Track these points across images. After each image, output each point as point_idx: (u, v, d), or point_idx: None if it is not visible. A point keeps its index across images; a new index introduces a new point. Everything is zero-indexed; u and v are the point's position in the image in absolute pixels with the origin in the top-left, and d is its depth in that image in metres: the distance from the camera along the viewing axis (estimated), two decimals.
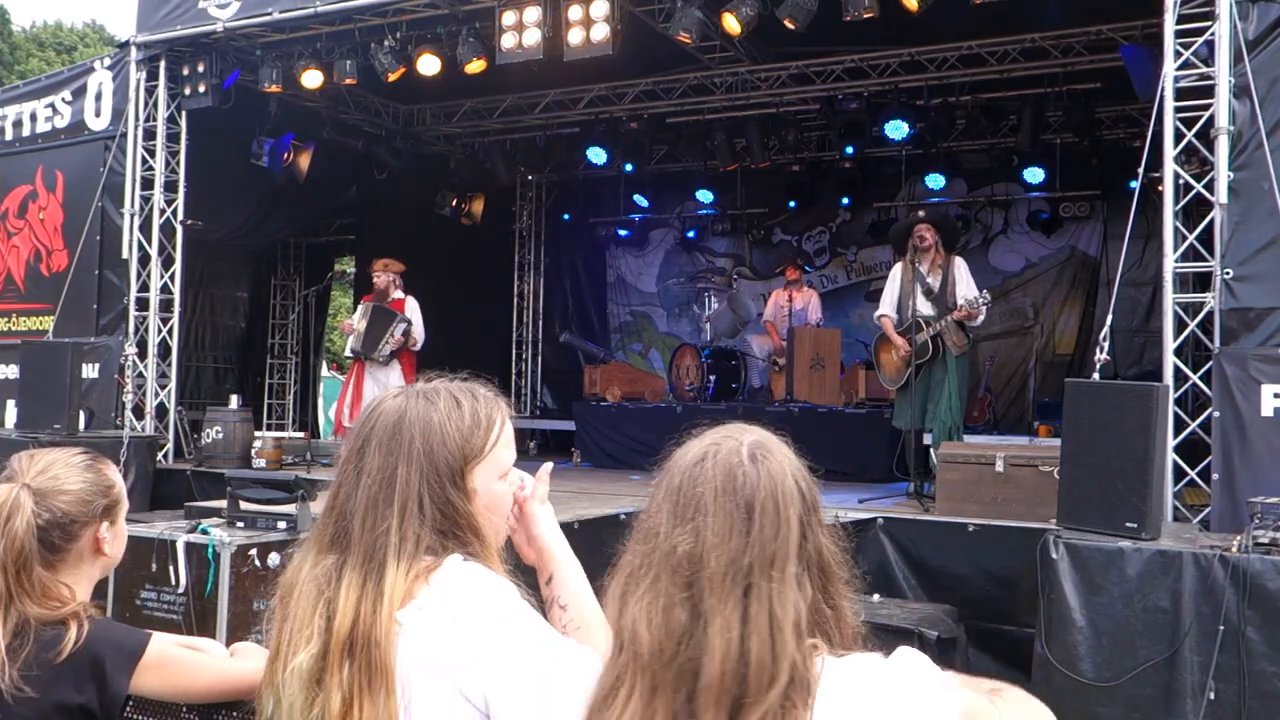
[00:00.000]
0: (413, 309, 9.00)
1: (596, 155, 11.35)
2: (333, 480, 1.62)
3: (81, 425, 7.94)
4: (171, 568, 4.59)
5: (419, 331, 8.97)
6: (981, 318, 7.11)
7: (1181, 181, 5.59)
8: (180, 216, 8.71)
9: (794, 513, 1.29)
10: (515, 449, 1.69)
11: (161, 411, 8.70)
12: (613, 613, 1.34)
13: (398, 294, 9.08)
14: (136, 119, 8.72)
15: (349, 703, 1.46)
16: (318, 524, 1.60)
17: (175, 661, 1.91)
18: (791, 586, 1.25)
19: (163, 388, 8.73)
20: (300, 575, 1.57)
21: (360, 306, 9.16)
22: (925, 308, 7.15)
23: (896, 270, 7.49)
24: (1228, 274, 5.30)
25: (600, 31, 7.07)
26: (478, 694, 1.42)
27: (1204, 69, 5.52)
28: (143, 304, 8.70)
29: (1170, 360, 5.50)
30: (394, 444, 1.55)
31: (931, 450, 7.10)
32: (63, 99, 9.32)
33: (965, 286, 7.08)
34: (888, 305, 7.41)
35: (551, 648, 1.47)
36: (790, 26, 7.19)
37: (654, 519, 1.34)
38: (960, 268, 7.18)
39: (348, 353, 9.25)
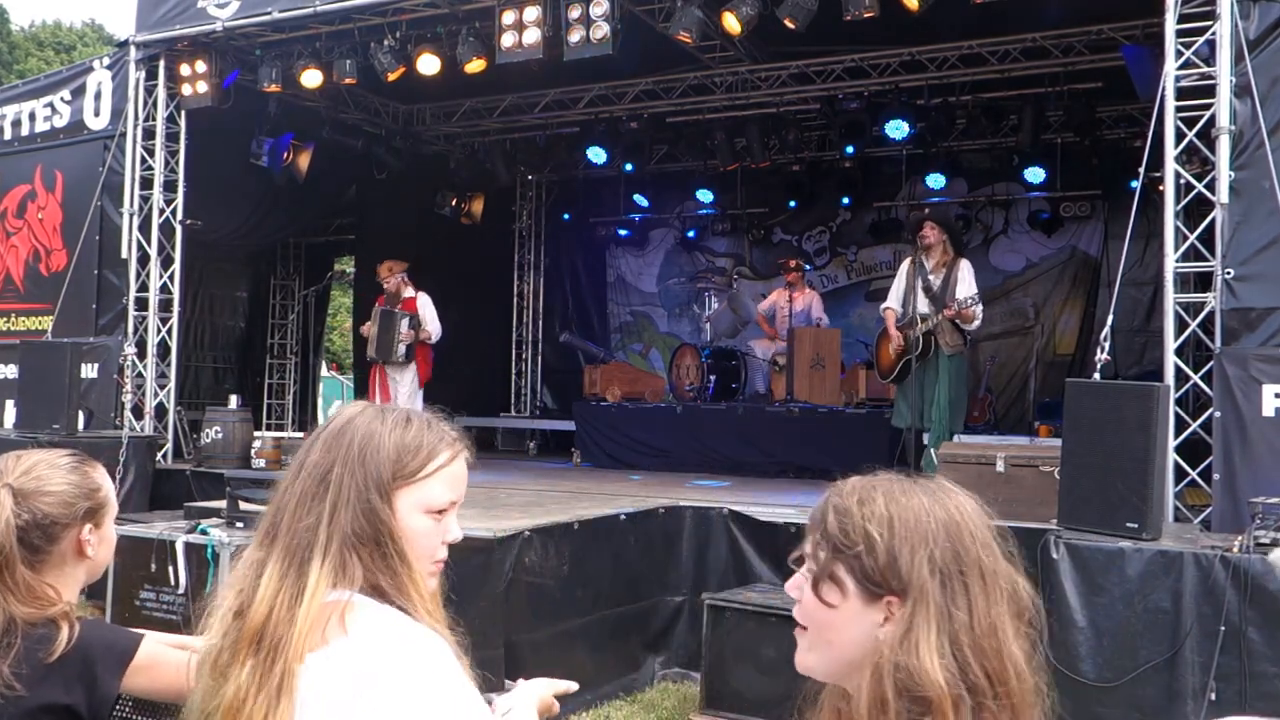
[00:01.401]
0: (424, 304, 9.08)
1: (596, 155, 11.34)
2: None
3: (81, 425, 7.94)
4: (171, 568, 4.59)
5: (432, 327, 9.04)
6: (977, 322, 7.13)
7: (1182, 181, 5.58)
8: (179, 216, 8.70)
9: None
10: (458, 497, 1.57)
11: (161, 411, 8.69)
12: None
13: (409, 292, 9.14)
14: (136, 118, 8.71)
15: (242, 697, 1.40)
16: (260, 520, 1.57)
17: (167, 663, 1.91)
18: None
19: (162, 388, 8.72)
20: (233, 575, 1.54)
21: (374, 311, 9.25)
22: (924, 305, 7.18)
23: (905, 266, 7.53)
24: (1229, 274, 5.29)
25: (600, 31, 7.06)
26: None
27: (1205, 68, 5.51)
28: (142, 304, 8.69)
29: (1171, 360, 5.50)
30: (334, 444, 1.51)
31: (930, 450, 7.10)
32: (62, 98, 9.31)
33: (965, 288, 7.09)
34: (893, 299, 7.48)
35: None
36: (790, 26, 7.18)
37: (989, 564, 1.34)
38: (964, 269, 7.19)
39: (368, 358, 9.33)
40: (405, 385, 9.12)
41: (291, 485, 1.51)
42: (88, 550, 1.95)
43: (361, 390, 10.65)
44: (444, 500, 1.54)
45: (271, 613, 1.42)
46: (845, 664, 1.28)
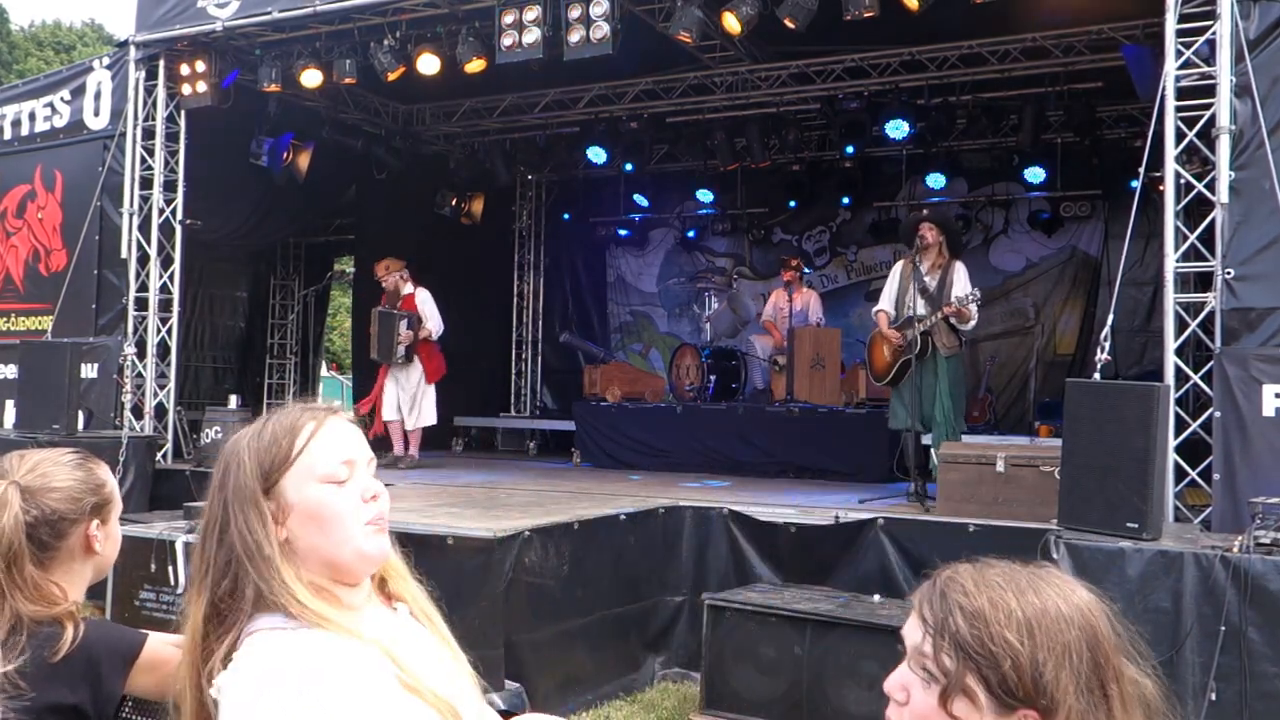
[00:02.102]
0: (424, 300, 9.07)
1: (596, 155, 11.34)
2: None
3: (80, 425, 7.94)
4: (170, 568, 4.59)
5: (433, 324, 9.03)
6: (974, 320, 7.11)
7: (1182, 181, 5.58)
8: (179, 216, 8.70)
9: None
10: (351, 455, 1.53)
11: (160, 411, 8.69)
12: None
13: (408, 289, 9.13)
14: (135, 118, 8.71)
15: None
16: None
17: (170, 662, 1.91)
18: None
19: (162, 388, 8.72)
20: None
21: (372, 313, 9.24)
22: (920, 306, 7.15)
23: (898, 267, 7.51)
24: (1229, 274, 5.29)
25: (600, 31, 7.06)
26: None
27: (1205, 68, 5.51)
28: (142, 304, 8.69)
29: (1171, 360, 5.49)
30: (211, 482, 1.53)
31: (932, 451, 7.10)
32: (61, 98, 9.31)
33: (961, 288, 7.07)
34: (885, 301, 7.43)
35: None
36: (790, 26, 7.18)
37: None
38: (959, 271, 7.18)
39: (372, 358, 9.36)
40: (413, 384, 9.10)
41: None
42: (95, 546, 1.96)
43: (362, 390, 10.63)
44: (332, 463, 1.50)
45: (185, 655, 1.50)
46: None
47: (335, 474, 1.50)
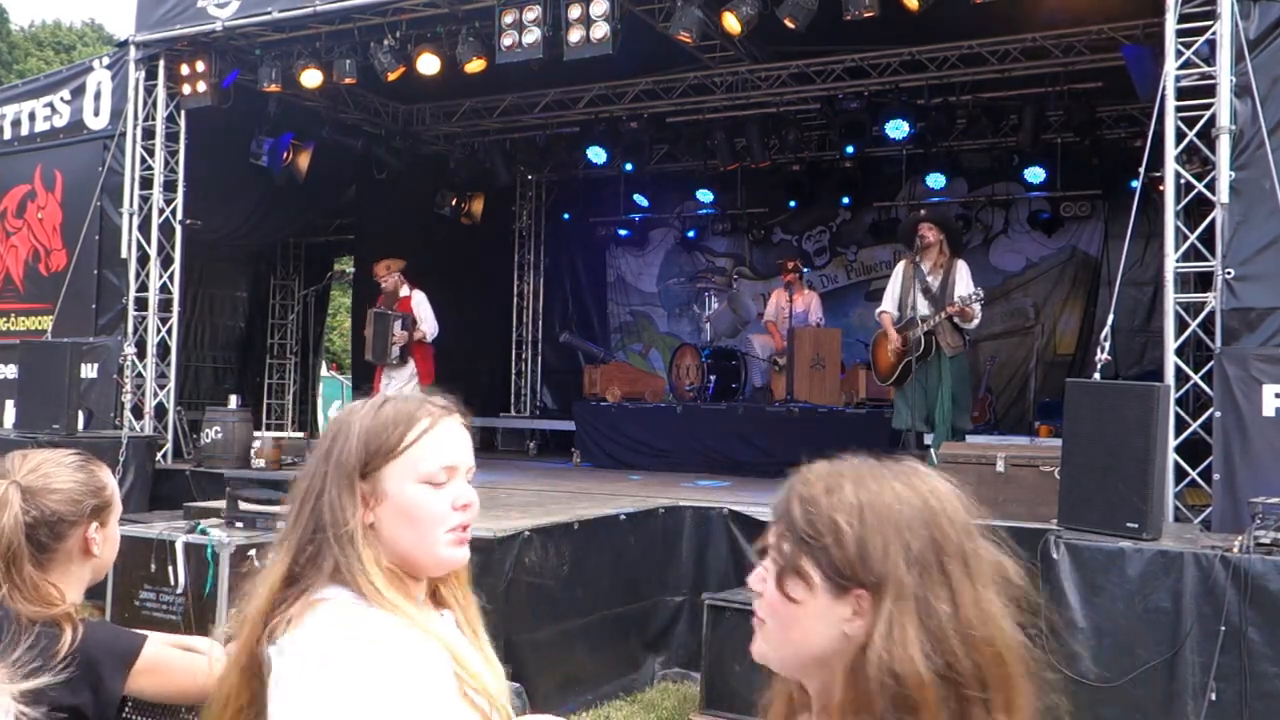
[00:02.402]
0: (420, 302, 9.05)
1: (596, 155, 11.34)
2: None
3: (80, 425, 7.93)
4: (170, 568, 4.59)
5: (428, 326, 9.00)
6: (977, 319, 7.11)
7: (1183, 181, 5.58)
8: (179, 216, 8.70)
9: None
10: (456, 461, 1.53)
11: (160, 411, 8.69)
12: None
13: (404, 290, 9.12)
14: (135, 118, 8.71)
15: (227, 687, 1.47)
16: None
17: (170, 664, 1.91)
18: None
19: (162, 388, 8.72)
20: None
21: (368, 314, 9.22)
22: (923, 306, 7.15)
23: (899, 268, 7.50)
24: (1229, 274, 5.29)
25: (600, 31, 7.06)
26: None
27: (1205, 68, 5.51)
28: (142, 304, 8.69)
29: (1171, 360, 5.49)
30: (318, 446, 1.53)
31: (931, 451, 7.09)
32: (61, 98, 9.31)
33: (964, 288, 7.07)
34: (889, 302, 7.42)
35: None
36: (790, 26, 7.18)
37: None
38: (961, 270, 7.18)
39: (366, 359, 9.32)
40: (406, 386, 9.07)
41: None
42: (94, 549, 1.95)
43: (361, 390, 10.64)
44: (436, 466, 1.51)
45: (249, 606, 1.47)
46: (808, 660, 1.22)
47: (435, 476, 1.51)
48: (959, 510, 1.23)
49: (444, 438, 1.53)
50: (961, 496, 1.24)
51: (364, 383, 10.08)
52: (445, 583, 1.61)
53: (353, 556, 1.44)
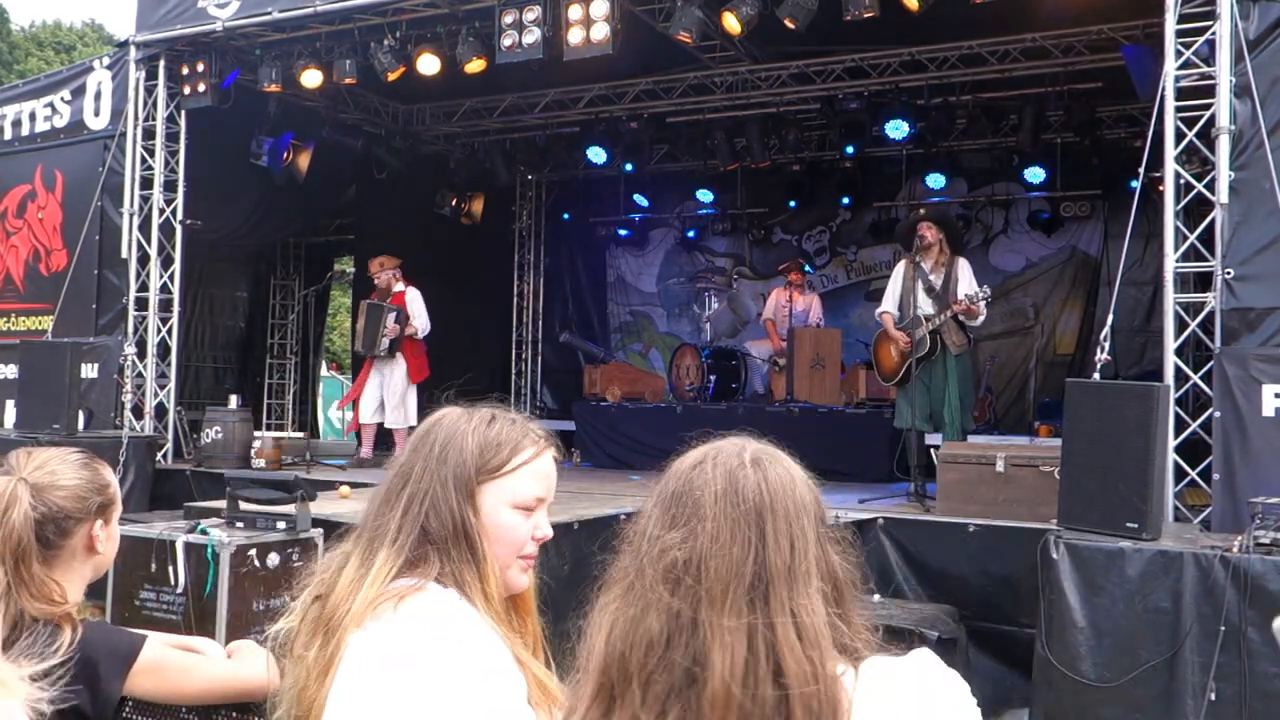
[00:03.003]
0: (413, 298, 9.05)
1: (596, 155, 11.34)
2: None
3: (81, 425, 7.94)
4: (170, 568, 4.58)
5: (419, 322, 9.00)
6: (982, 316, 7.10)
7: (1182, 181, 5.58)
8: (179, 216, 8.71)
9: (808, 523, 1.22)
10: (546, 493, 1.61)
11: (161, 411, 8.69)
12: (588, 623, 1.27)
13: (398, 287, 9.11)
14: (136, 118, 8.71)
15: (304, 677, 1.46)
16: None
17: (170, 665, 1.91)
18: (817, 601, 1.18)
19: (162, 388, 8.72)
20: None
21: (360, 305, 9.20)
22: (926, 305, 7.14)
23: (900, 268, 7.48)
24: (1229, 274, 5.30)
25: (600, 31, 7.06)
26: None
27: (1205, 68, 5.51)
28: (142, 304, 8.69)
29: (1171, 360, 5.50)
30: (420, 444, 1.57)
31: (932, 451, 7.09)
32: (62, 98, 9.31)
33: (967, 285, 7.07)
34: (889, 302, 7.40)
35: None
36: (790, 26, 7.18)
37: (643, 524, 1.26)
38: (964, 268, 7.18)
39: (354, 351, 9.28)
40: (398, 382, 9.03)
41: (380, 486, 1.57)
42: (98, 546, 1.96)
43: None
44: (530, 495, 1.58)
45: (342, 600, 1.46)
46: None
47: (528, 505, 1.58)
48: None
49: (541, 469, 1.60)
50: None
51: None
52: (514, 604, 1.64)
53: (468, 562, 1.49)
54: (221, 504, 5.10)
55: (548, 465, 1.62)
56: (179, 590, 4.55)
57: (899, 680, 1.18)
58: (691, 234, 13.09)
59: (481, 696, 1.40)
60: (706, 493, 1.22)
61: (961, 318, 7.02)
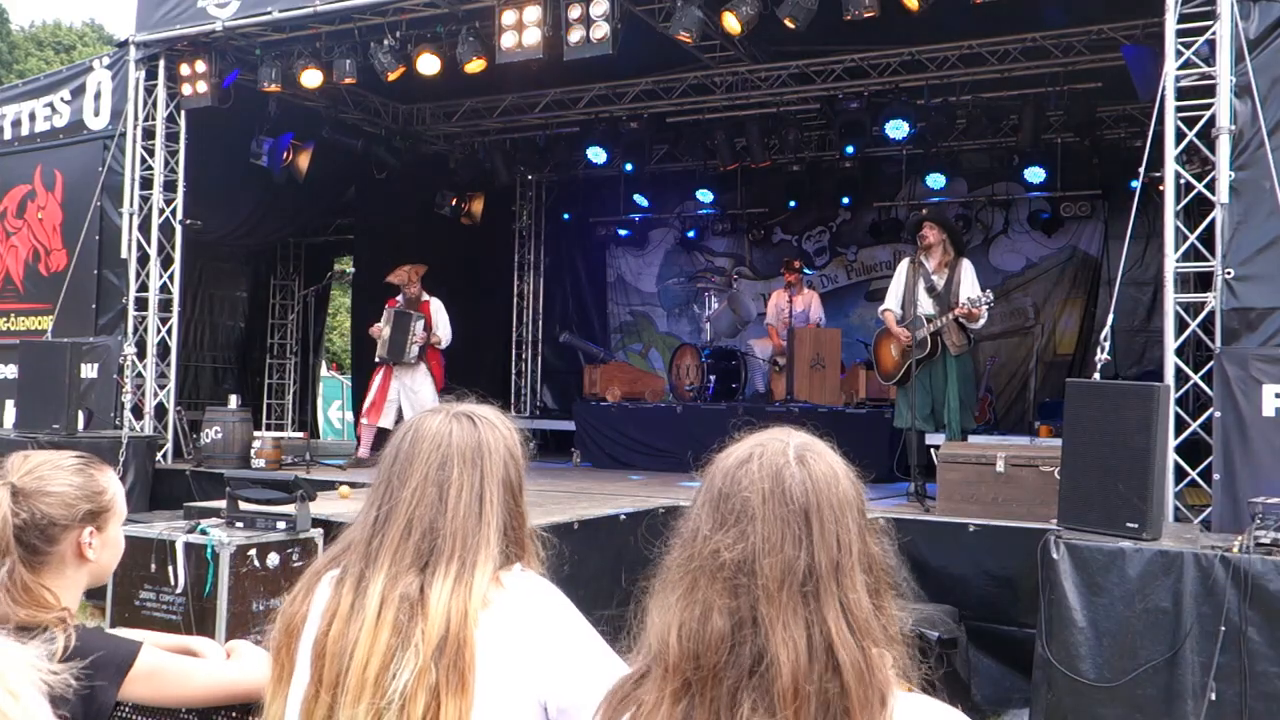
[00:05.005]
0: (437, 309, 9.09)
1: (596, 155, 11.34)
2: (393, 499, 1.66)
3: (80, 425, 7.94)
4: (170, 568, 4.58)
5: (444, 332, 9.03)
6: (983, 319, 7.10)
7: (1182, 181, 5.58)
8: (179, 216, 8.71)
9: (851, 518, 1.27)
10: None
11: (160, 411, 8.69)
12: (649, 619, 1.32)
13: (423, 297, 9.12)
14: (135, 118, 8.71)
15: (433, 704, 1.51)
16: (386, 544, 1.64)
17: (167, 671, 1.89)
18: (863, 593, 1.23)
19: (162, 388, 8.72)
20: (353, 600, 1.62)
21: (385, 312, 9.16)
22: (927, 306, 7.14)
23: (903, 267, 7.48)
24: (1229, 274, 5.29)
25: (600, 31, 7.06)
26: (549, 698, 1.55)
27: (1205, 68, 5.51)
28: (142, 304, 8.69)
29: (1171, 360, 5.49)
30: (476, 463, 1.69)
31: (932, 451, 7.09)
32: (61, 98, 9.31)
33: (969, 287, 7.07)
34: (892, 301, 7.40)
35: (612, 663, 1.58)
36: (790, 26, 7.18)
37: (694, 524, 1.30)
38: (966, 269, 7.18)
39: (377, 359, 9.23)
40: (425, 393, 8.95)
41: (442, 509, 1.64)
42: (88, 553, 1.91)
43: (360, 391, 10.59)
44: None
45: (448, 623, 1.56)
46: None
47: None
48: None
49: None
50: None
51: (366, 382, 10.02)
52: None
53: (531, 553, 1.72)
54: (221, 504, 5.10)
55: None
56: (179, 590, 4.55)
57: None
58: (691, 234, 13.09)
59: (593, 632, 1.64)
60: (754, 493, 1.26)
61: (963, 320, 7.02)
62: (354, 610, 1.58)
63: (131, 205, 8.65)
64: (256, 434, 8.75)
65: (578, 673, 1.55)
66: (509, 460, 1.73)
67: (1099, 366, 5.54)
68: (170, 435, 8.73)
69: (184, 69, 8.64)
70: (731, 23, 7.48)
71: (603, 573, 5.70)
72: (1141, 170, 5.75)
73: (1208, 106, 5.46)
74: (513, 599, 1.59)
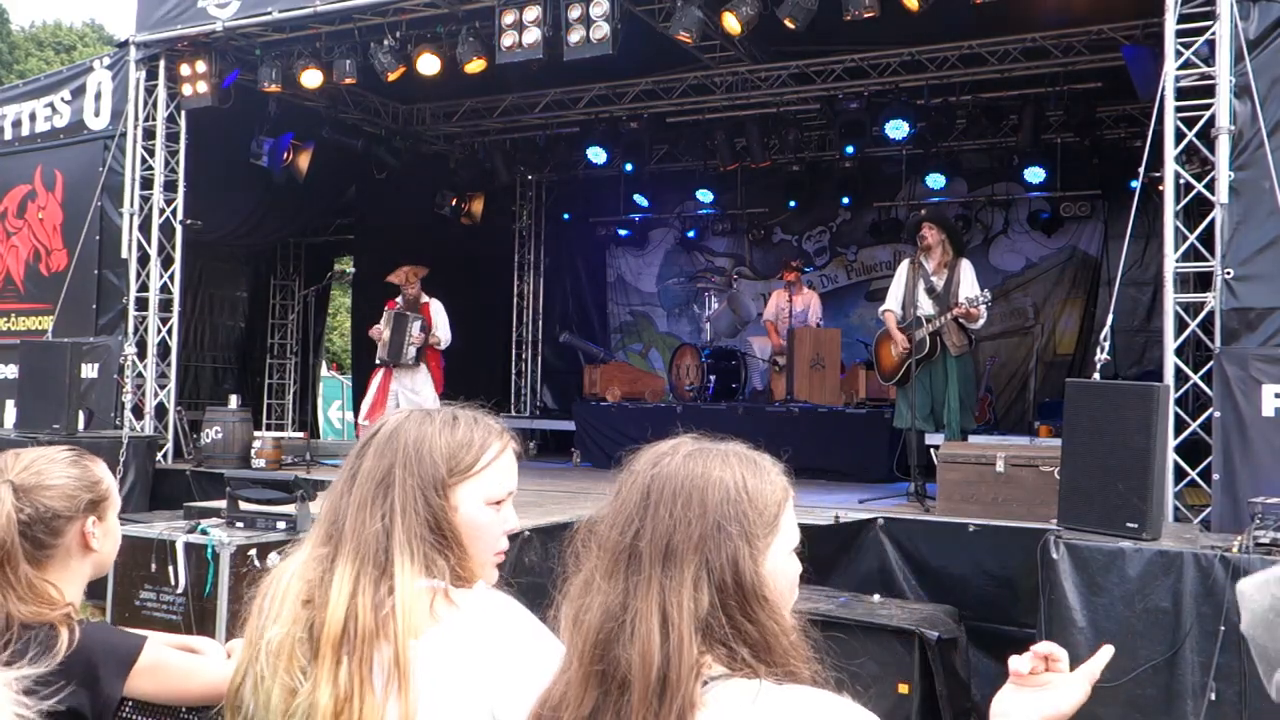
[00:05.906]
0: (437, 310, 9.08)
1: (596, 155, 11.34)
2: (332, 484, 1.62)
3: (81, 425, 7.94)
4: (171, 568, 4.59)
5: (443, 333, 9.02)
6: (982, 319, 7.11)
7: (1182, 181, 5.58)
8: (179, 216, 8.71)
9: (707, 512, 1.21)
10: (514, 487, 1.66)
11: (161, 411, 8.69)
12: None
13: (423, 298, 9.12)
14: (136, 118, 8.71)
15: (345, 698, 1.45)
16: (314, 524, 1.60)
17: (169, 666, 1.90)
18: (688, 586, 1.18)
19: (162, 388, 8.72)
20: (286, 568, 1.57)
21: (384, 314, 9.16)
22: (926, 306, 7.15)
23: (903, 267, 7.48)
24: (1228, 274, 5.30)
25: (600, 31, 7.06)
26: (496, 712, 1.44)
27: (1205, 68, 5.51)
28: (142, 304, 8.69)
29: (1171, 360, 5.50)
30: (386, 449, 1.57)
31: (932, 451, 7.09)
32: (62, 98, 9.31)
33: (968, 288, 7.08)
34: (892, 301, 7.41)
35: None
36: (790, 26, 7.18)
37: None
38: (966, 270, 7.18)
39: (378, 360, 9.23)
40: (425, 393, 8.95)
41: (348, 492, 1.56)
42: (92, 543, 1.94)
43: (360, 391, 10.59)
44: (502, 491, 1.63)
45: (354, 614, 1.46)
46: None
47: (499, 499, 1.63)
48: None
49: (507, 465, 1.65)
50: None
51: (367, 382, 10.03)
52: None
53: (462, 561, 1.55)
54: (221, 504, 5.10)
55: (512, 460, 1.67)
56: (179, 590, 4.56)
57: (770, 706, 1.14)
58: (691, 234, 13.10)
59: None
60: (628, 476, 1.29)
61: (962, 320, 7.03)
62: (281, 577, 1.57)
63: (132, 205, 8.66)
64: (256, 434, 8.75)
65: (526, 688, 1.42)
66: (428, 451, 1.56)
67: (1099, 366, 5.54)
68: (170, 435, 8.73)
69: (184, 69, 8.64)
70: (731, 23, 7.48)
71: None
72: (1141, 170, 5.76)
73: (1207, 106, 5.46)
74: (465, 618, 1.48)
